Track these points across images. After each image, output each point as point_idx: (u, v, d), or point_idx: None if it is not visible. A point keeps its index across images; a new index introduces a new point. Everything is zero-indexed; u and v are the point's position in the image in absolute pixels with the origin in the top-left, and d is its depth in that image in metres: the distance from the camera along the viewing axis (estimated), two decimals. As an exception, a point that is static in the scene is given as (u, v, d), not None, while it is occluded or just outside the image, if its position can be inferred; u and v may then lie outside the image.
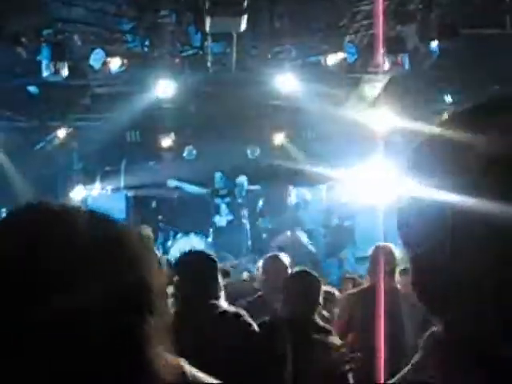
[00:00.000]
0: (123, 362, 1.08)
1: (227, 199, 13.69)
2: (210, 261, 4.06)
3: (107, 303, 1.07)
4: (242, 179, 13.83)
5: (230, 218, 13.70)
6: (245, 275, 9.37)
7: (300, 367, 3.82)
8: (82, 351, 1.05)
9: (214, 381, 1.87)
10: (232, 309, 3.98)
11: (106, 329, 1.07)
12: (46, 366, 1.04)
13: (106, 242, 1.13)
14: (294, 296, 4.20)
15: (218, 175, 13.80)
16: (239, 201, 13.78)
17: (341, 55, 10.26)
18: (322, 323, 4.26)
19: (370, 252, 5.59)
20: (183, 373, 1.28)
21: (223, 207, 13.73)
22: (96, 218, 1.17)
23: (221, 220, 13.67)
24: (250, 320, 3.92)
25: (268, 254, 5.77)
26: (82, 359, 1.05)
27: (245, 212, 13.82)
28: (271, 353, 3.84)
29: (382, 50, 9.57)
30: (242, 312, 3.97)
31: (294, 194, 14.15)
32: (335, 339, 4.23)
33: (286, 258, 5.33)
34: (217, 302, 3.88)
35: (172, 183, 14.00)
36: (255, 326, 3.89)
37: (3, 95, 11.42)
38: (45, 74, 9.43)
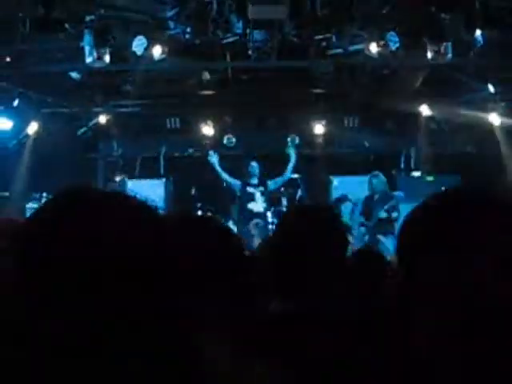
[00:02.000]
0: (172, 349, 1.08)
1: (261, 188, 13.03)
2: None
3: (149, 293, 1.07)
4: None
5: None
6: None
7: None
8: (133, 339, 1.05)
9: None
10: None
11: (152, 317, 1.07)
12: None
13: (143, 229, 1.12)
14: None
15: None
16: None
17: (382, 43, 10.15)
18: None
19: None
20: (232, 359, 1.28)
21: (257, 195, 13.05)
22: (134, 205, 1.17)
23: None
24: None
25: None
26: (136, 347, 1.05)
27: (284, 200, 13.69)
28: None
29: (424, 39, 9.47)
30: None
31: (337, 184, 13.95)
32: None
33: None
34: None
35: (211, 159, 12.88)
36: None
37: (46, 81, 11.54)
38: (87, 60, 9.47)
